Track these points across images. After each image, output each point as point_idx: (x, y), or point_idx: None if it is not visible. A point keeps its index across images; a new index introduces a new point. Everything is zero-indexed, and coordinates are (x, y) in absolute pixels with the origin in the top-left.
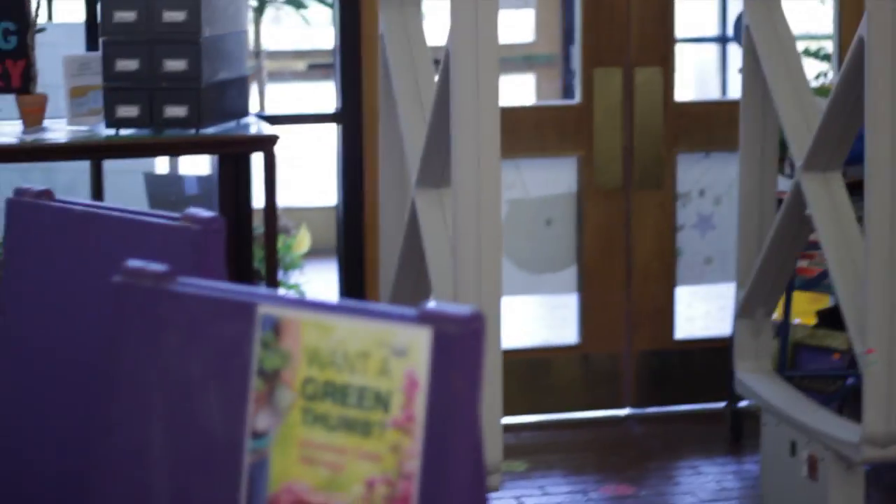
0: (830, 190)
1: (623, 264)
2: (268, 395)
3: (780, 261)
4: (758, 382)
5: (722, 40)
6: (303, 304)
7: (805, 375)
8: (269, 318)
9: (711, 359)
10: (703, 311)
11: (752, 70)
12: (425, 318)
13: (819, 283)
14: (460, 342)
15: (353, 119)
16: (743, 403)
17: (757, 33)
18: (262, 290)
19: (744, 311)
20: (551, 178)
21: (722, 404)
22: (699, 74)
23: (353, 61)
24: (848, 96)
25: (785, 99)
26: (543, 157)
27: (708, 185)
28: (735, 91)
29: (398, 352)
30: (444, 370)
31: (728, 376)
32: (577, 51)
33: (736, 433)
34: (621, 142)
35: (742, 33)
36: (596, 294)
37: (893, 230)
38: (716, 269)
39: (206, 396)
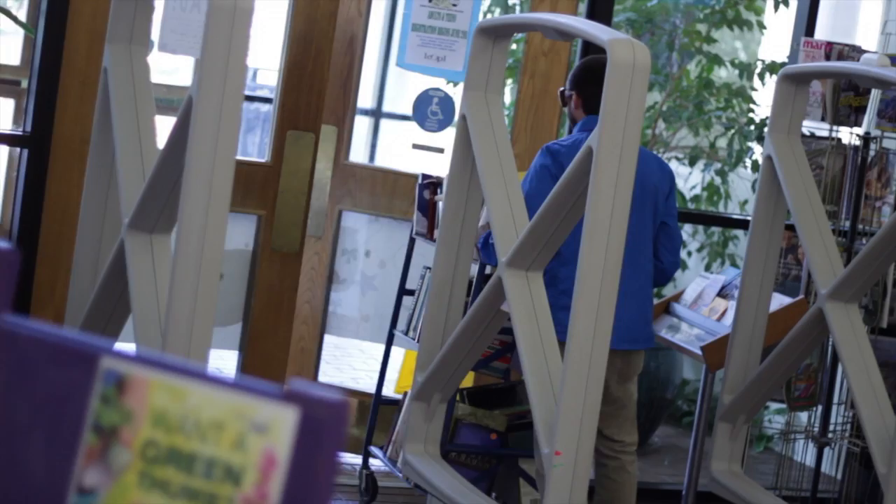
0: (531, 289)
1: None
2: (101, 452)
3: (465, 350)
4: (426, 466)
5: (375, 114)
6: (154, 363)
7: (463, 451)
8: (113, 373)
9: None
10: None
11: (462, 156)
12: (292, 398)
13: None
14: (327, 426)
15: (43, 143)
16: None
17: (473, 125)
18: (109, 342)
19: (420, 394)
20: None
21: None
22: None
23: (50, 86)
24: (567, 200)
25: (495, 193)
26: None
27: (374, 247)
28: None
29: (258, 427)
30: (307, 452)
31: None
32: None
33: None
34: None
35: (458, 120)
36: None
37: (595, 338)
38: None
39: (32, 444)
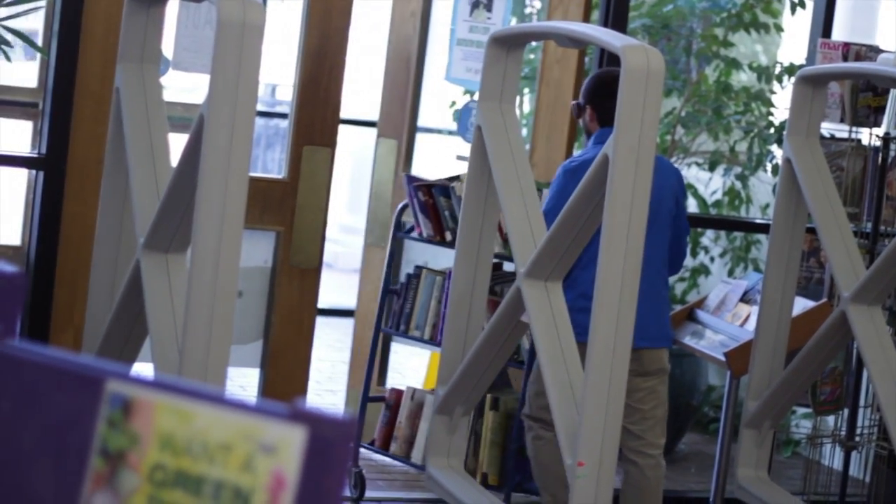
0: (551, 299)
1: None
2: (109, 477)
3: (486, 363)
4: (449, 480)
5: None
6: (160, 385)
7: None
8: (119, 397)
9: None
10: None
11: (478, 167)
12: (299, 417)
13: None
14: (335, 446)
15: (58, 165)
16: None
17: (489, 135)
18: (114, 365)
19: (442, 408)
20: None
21: None
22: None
23: (64, 107)
24: (584, 209)
25: (512, 204)
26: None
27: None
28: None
29: (266, 448)
30: (316, 472)
31: None
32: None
33: None
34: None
35: (473, 131)
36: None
37: (616, 345)
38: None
39: (39, 470)
